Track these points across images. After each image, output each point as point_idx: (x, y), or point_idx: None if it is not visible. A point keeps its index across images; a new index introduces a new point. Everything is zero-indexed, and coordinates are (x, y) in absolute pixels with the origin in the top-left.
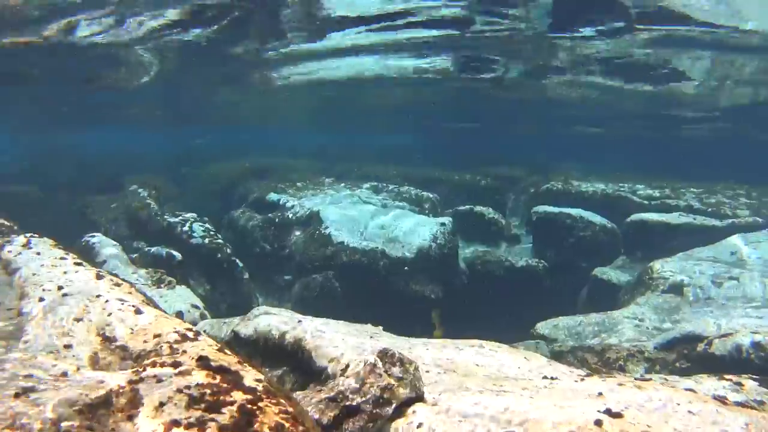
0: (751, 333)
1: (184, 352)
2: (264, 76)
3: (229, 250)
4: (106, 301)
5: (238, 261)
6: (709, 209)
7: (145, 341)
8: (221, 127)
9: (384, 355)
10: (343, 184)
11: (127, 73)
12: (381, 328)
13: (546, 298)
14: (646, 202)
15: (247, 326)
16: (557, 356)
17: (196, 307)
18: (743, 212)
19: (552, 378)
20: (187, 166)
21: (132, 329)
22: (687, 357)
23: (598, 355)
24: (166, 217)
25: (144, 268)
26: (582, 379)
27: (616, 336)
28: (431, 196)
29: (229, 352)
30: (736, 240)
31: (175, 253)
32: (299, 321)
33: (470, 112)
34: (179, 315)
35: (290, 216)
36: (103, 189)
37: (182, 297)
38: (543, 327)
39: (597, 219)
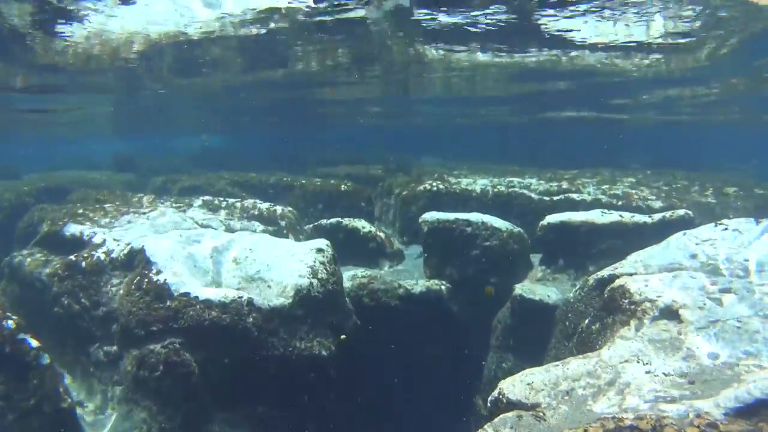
0: None
1: None
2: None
3: (12, 324)
4: None
5: (29, 339)
6: (620, 202)
7: None
8: None
9: None
10: (167, 203)
11: None
12: None
13: (457, 329)
14: (546, 198)
15: None
16: None
17: None
18: (655, 203)
19: None
20: None
21: None
22: None
23: None
24: None
25: None
26: None
27: (633, 393)
28: (287, 210)
29: None
30: (684, 240)
31: None
32: None
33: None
34: None
35: (102, 257)
36: None
37: None
38: (512, 388)
39: (502, 224)
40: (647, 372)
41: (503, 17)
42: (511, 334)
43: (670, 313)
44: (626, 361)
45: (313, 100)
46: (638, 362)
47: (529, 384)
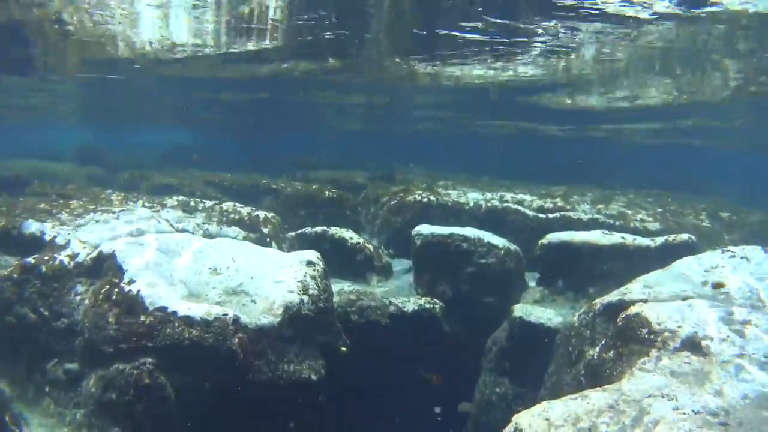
0: None
1: None
2: None
3: None
4: None
5: None
6: (617, 222)
7: None
8: None
9: None
10: (138, 202)
11: None
12: None
13: (451, 351)
14: (541, 215)
15: None
16: None
17: None
18: (653, 225)
19: None
20: None
21: None
22: None
23: None
24: None
25: None
26: None
27: None
28: (270, 216)
29: None
30: (692, 267)
31: None
32: None
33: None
34: None
35: (66, 261)
36: None
37: None
38: (528, 424)
39: (499, 241)
40: (674, 409)
41: None
42: (508, 357)
43: (693, 345)
44: (651, 395)
45: (295, 101)
46: (663, 397)
47: (547, 419)
